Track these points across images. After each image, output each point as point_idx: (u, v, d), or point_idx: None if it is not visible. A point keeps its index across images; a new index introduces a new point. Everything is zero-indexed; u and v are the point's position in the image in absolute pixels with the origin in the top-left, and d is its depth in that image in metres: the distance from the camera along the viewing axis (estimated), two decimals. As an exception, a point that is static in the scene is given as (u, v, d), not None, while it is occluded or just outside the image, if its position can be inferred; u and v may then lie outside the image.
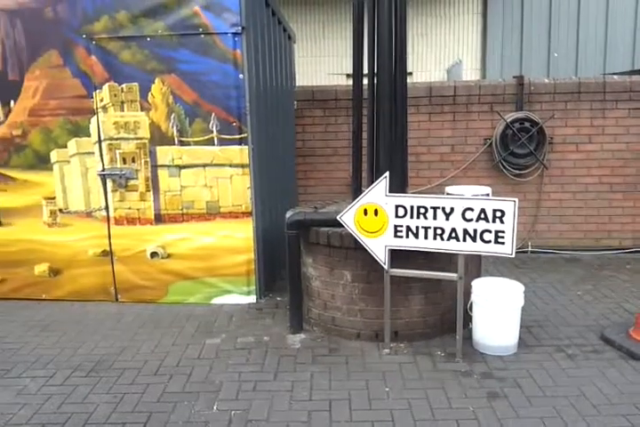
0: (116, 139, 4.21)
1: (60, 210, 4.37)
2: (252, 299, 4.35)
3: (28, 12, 4.20)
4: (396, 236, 3.26)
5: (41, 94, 4.27)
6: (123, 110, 4.16)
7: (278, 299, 4.47)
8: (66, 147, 4.28)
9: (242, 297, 4.34)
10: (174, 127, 4.15)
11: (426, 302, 3.55)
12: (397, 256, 3.32)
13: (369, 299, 3.54)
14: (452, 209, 3.14)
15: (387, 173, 3.25)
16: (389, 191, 3.24)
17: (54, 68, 4.22)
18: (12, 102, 4.31)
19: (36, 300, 4.52)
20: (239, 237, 4.25)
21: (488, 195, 3.63)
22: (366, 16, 3.53)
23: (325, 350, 3.52)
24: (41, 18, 4.18)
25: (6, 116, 4.33)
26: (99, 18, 4.10)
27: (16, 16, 4.22)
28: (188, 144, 4.17)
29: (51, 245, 4.42)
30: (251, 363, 3.35)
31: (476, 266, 3.80)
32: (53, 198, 4.36)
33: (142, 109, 4.15)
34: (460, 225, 3.13)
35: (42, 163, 4.33)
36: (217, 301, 4.35)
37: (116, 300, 4.44)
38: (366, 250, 3.34)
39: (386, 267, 3.32)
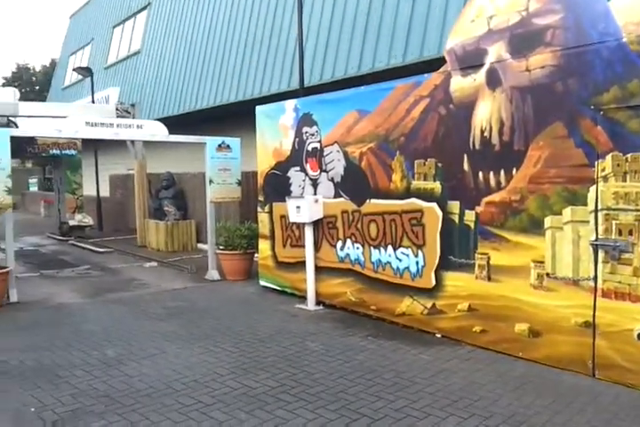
0: (614, 209, 4.07)
1: (547, 274, 4.49)
2: None
3: (538, 88, 4.55)
4: None
5: (542, 163, 4.53)
6: (625, 181, 4.01)
7: None
8: (560, 214, 4.40)
9: None
10: (687, 200, 3.74)
11: None
12: None
13: None
14: None
15: None
16: None
17: (557, 139, 4.43)
18: (514, 170, 4.72)
19: (511, 356, 4.74)
20: None
21: None
22: None
23: None
24: (550, 92, 4.47)
25: (508, 182, 4.76)
26: (608, 88, 4.10)
27: (527, 91, 4.64)
28: (700, 219, 3.69)
29: (533, 307, 4.57)
30: None
31: None
32: (542, 262, 4.52)
33: (648, 180, 3.91)
34: None
35: (535, 228, 4.56)
36: None
37: (593, 375, 4.23)
38: None
39: None
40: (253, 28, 12.10)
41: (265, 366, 4.64)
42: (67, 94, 23.21)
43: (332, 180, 6.52)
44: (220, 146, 8.62)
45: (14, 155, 7.03)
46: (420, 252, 5.47)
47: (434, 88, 5.31)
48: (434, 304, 5.36)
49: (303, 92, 8.38)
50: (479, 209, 4.95)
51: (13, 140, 7.02)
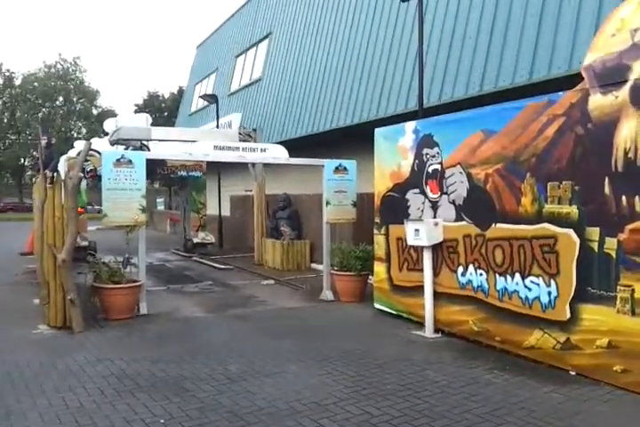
0: None
1: None
2: None
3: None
4: None
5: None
6: None
7: None
8: None
9: None
10: None
11: None
12: None
13: None
14: None
15: None
16: None
17: None
18: (663, 194, 4.29)
19: (661, 401, 4.26)
20: None
21: None
22: None
23: None
24: None
25: (655, 208, 4.34)
26: None
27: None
28: None
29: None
30: None
31: None
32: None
33: None
34: None
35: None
36: None
37: None
38: None
39: None
40: (371, 49, 12.23)
41: (385, 394, 4.51)
42: (192, 120, 24.81)
43: (453, 202, 6.32)
44: (337, 168, 8.71)
45: (146, 176, 7.55)
46: (552, 281, 5.10)
47: (570, 106, 4.98)
48: (568, 339, 4.94)
49: (422, 113, 8.28)
50: (622, 236, 4.53)
51: (146, 162, 7.55)
